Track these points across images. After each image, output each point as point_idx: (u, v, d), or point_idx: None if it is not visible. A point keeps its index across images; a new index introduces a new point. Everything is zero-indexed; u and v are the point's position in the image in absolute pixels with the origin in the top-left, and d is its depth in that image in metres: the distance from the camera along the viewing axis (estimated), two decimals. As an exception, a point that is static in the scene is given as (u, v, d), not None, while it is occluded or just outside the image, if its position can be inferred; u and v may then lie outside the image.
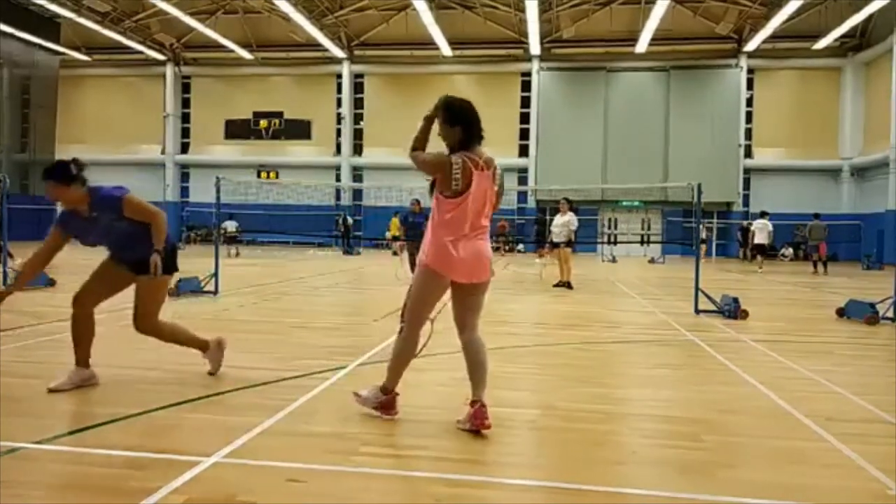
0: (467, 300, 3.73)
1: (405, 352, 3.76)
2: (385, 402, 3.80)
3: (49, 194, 4.20)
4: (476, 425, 3.53)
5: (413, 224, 13.39)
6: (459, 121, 3.64)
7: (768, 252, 19.79)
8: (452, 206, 3.57)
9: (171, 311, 8.07)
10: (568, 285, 12.48)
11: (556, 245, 13.01)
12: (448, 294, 3.76)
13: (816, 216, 20.02)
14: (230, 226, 22.88)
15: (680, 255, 27.69)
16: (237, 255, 22.09)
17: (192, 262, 11.69)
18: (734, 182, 29.96)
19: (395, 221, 25.95)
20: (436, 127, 3.75)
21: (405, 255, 13.91)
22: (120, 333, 6.54)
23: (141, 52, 32.24)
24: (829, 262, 19.32)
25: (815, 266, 19.70)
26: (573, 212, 13.30)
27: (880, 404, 4.35)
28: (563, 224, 12.73)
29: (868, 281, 16.72)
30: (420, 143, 3.76)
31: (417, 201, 13.75)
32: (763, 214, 20.06)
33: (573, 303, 10.50)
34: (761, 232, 19.37)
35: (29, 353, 5.47)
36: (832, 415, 4.13)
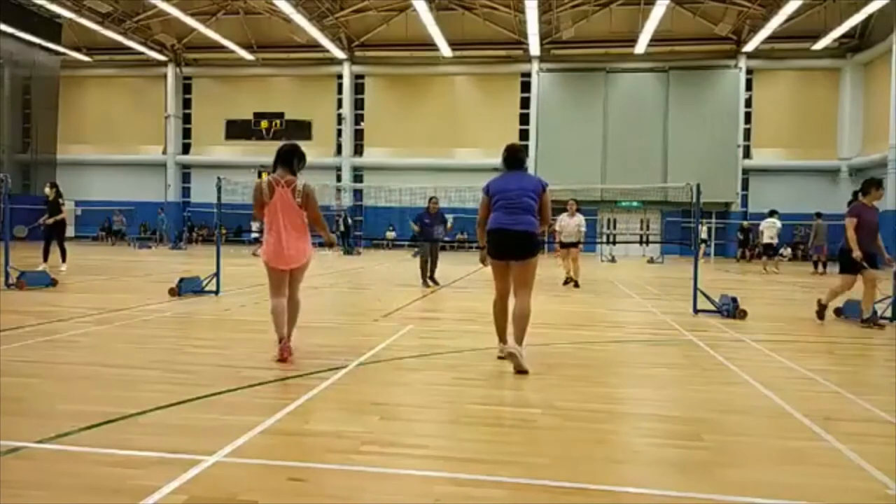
0: None
1: None
2: None
3: None
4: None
5: (426, 224, 12.70)
6: None
7: (772, 252, 19.61)
8: None
9: (173, 312, 8.07)
10: (575, 284, 12.89)
11: (565, 245, 13.27)
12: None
13: (818, 216, 19.75)
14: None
15: (679, 255, 27.71)
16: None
17: (195, 261, 11.74)
18: (733, 182, 29.93)
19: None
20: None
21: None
22: (120, 333, 6.56)
23: (142, 53, 32.22)
24: (827, 262, 19.23)
25: (815, 266, 19.55)
26: (579, 212, 13.55)
27: (879, 404, 4.36)
28: (575, 225, 13.20)
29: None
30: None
31: (433, 199, 12.90)
32: (772, 213, 19.66)
33: (573, 303, 10.50)
34: (769, 231, 19.00)
35: (29, 353, 5.47)
36: (831, 414, 4.14)
